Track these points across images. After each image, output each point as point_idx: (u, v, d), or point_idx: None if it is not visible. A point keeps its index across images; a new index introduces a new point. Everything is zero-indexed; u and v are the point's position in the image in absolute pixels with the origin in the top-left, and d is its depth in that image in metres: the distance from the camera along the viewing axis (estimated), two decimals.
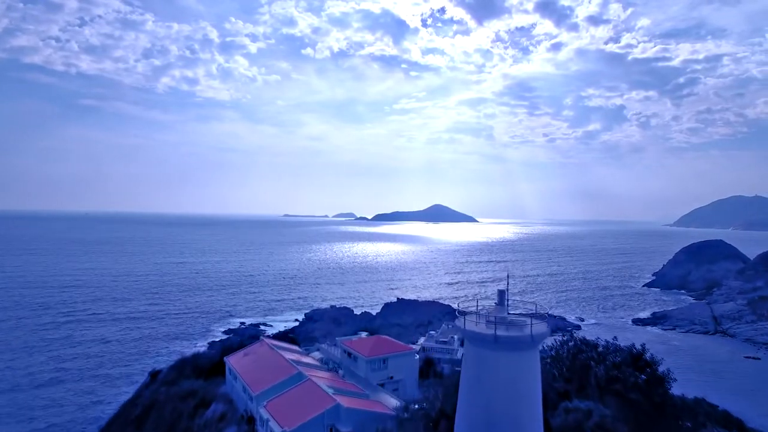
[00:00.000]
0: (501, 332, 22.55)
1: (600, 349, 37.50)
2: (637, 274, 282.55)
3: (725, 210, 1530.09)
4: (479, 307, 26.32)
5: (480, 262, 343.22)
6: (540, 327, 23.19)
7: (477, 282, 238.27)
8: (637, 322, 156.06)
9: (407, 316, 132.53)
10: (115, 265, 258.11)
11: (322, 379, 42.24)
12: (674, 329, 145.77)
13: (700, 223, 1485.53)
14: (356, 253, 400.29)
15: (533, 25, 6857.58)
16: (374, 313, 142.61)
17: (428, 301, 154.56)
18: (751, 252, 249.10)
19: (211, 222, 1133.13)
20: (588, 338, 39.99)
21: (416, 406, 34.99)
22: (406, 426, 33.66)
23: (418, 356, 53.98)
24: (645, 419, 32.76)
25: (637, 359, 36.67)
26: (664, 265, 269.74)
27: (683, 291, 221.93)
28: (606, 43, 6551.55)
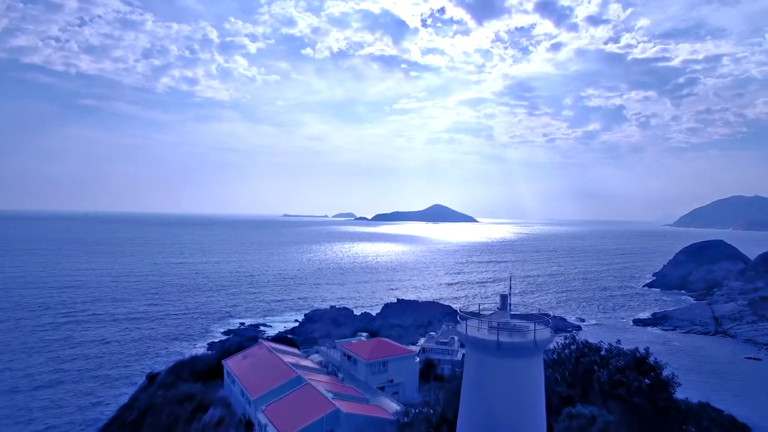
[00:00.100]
0: (504, 338, 22.09)
1: (603, 352, 37.13)
2: (637, 275, 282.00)
3: (725, 210, 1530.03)
4: (481, 311, 25.89)
5: (480, 262, 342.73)
6: (543, 333, 22.73)
7: (477, 282, 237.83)
8: (638, 322, 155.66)
9: (407, 317, 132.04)
10: (114, 266, 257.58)
11: (321, 383, 41.81)
12: (675, 330, 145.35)
13: (700, 223, 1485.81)
14: (356, 254, 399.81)
15: (533, 26, 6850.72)
16: (374, 314, 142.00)
17: (428, 302, 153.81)
18: (752, 252, 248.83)
19: (211, 222, 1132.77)
20: (590, 340, 39.57)
21: (417, 411, 34.59)
22: (406, 431, 33.25)
23: (418, 359, 53.57)
24: (649, 424, 32.34)
25: (640, 363, 36.27)
26: (664, 265, 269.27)
27: (684, 291, 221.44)
28: (605, 43, 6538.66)
